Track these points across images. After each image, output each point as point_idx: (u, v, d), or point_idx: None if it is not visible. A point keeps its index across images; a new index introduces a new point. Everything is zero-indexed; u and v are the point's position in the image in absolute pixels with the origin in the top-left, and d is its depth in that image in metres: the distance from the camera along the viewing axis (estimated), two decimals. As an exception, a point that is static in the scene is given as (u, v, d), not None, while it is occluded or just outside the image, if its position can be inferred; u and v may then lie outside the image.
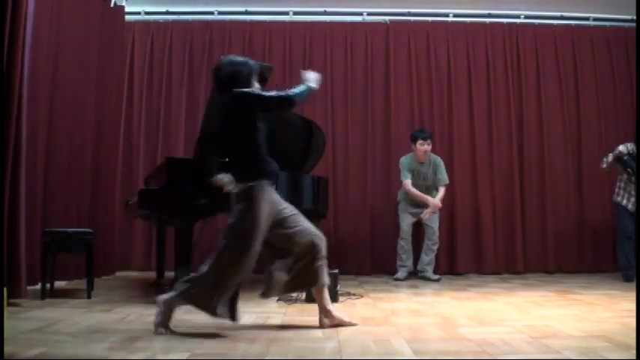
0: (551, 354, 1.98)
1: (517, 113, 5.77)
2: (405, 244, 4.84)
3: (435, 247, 4.85)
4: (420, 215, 4.83)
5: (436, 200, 4.82)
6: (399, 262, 4.86)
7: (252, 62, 2.62)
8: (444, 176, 4.93)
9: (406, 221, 4.86)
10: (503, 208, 5.60)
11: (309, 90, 2.56)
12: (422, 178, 4.90)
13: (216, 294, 2.42)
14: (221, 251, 2.54)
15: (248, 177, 2.47)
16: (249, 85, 2.55)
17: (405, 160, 4.93)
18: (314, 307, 3.11)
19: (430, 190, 4.92)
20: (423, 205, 4.85)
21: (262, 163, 2.55)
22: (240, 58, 2.62)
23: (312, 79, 2.58)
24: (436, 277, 4.72)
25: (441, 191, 4.90)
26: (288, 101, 2.55)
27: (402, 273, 4.79)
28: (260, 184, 2.46)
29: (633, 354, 1.95)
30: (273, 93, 2.57)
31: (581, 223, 5.63)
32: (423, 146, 4.86)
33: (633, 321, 2.60)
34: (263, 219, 2.44)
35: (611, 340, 2.19)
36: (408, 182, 4.84)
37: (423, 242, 4.90)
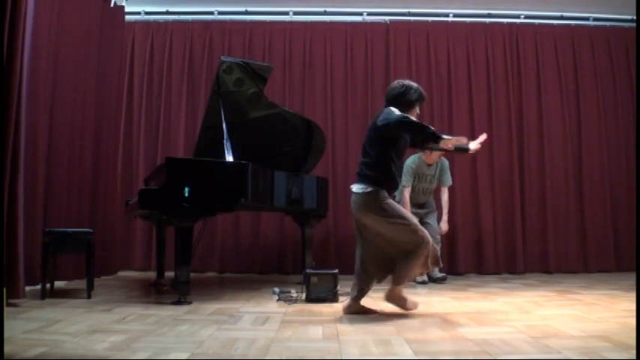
0: (551, 354, 1.98)
1: (517, 113, 5.77)
2: None
3: (439, 246, 4.79)
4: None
5: (443, 225, 4.76)
6: None
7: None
8: (449, 178, 4.88)
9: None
10: (504, 208, 5.60)
11: (437, 136, 2.79)
12: (427, 180, 4.76)
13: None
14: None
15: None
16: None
17: (411, 164, 4.72)
18: (314, 307, 3.12)
19: (429, 193, 4.85)
20: (424, 206, 4.82)
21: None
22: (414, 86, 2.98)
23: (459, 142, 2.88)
24: (441, 275, 4.68)
25: (446, 194, 4.82)
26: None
27: (422, 276, 4.58)
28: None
29: (633, 354, 1.95)
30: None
31: (581, 223, 5.63)
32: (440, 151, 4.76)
33: (633, 321, 2.60)
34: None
35: (611, 340, 2.19)
36: (408, 190, 4.67)
37: None
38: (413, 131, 2.88)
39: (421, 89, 3.00)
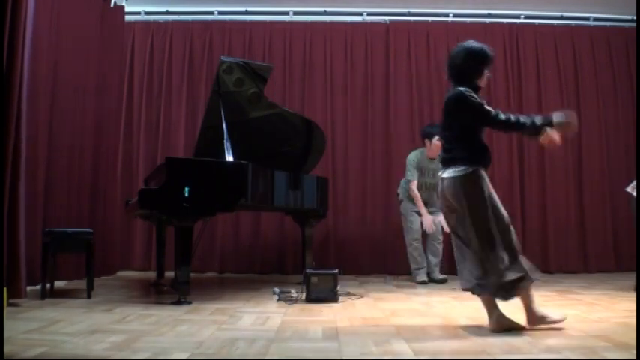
0: (551, 354, 1.98)
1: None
2: (418, 245, 4.69)
3: (441, 247, 4.79)
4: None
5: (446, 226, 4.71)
6: (414, 266, 4.67)
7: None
8: None
9: (416, 222, 4.72)
10: (503, 208, 5.58)
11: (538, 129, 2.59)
12: (431, 175, 4.73)
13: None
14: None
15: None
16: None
17: (414, 158, 4.72)
18: (314, 307, 3.12)
19: (433, 188, 4.84)
20: (428, 204, 4.81)
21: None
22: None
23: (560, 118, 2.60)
24: (442, 276, 4.68)
25: None
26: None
27: (422, 276, 4.61)
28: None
29: (633, 354, 1.95)
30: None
31: (581, 223, 5.63)
32: (440, 142, 4.70)
33: (633, 321, 2.60)
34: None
35: (611, 340, 2.19)
36: (414, 184, 4.67)
37: (427, 242, 4.83)
38: (507, 126, 2.60)
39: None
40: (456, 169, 2.54)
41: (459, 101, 2.55)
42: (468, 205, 2.51)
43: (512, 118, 2.58)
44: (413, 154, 4.79)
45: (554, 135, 2.60)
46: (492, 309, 2.48)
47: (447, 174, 2.58)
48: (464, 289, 2.59)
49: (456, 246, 2.63)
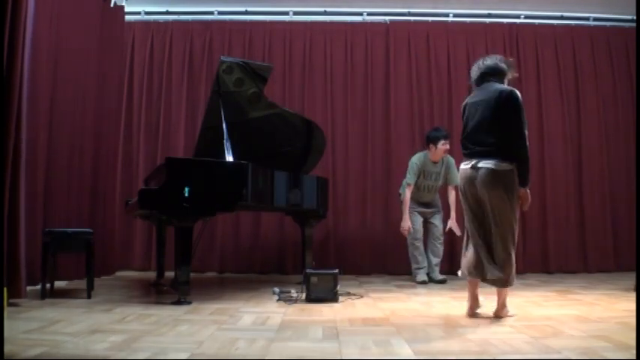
0: (551, 354, 1.98)
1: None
2: (419, 245, 4.70)
3: (441, 248, 4.79)
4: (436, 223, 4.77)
5: (455, 228, 4.69)
6: (415, 265, 4.69)
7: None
8: (456, 176, 4.85)
9: (417, 221, 4.74)
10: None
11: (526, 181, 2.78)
12: (433, 178, 4.75)
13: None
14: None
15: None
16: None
17: (417, 161, 4.72)
18: (314, 307, 3.12)
19: (434, 190, 4.85)
20: (430, 205, 4.81)
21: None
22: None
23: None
24: (441, 277, 4.68)
25: (453, 194, 4.76)
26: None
27: (422, 275, 4.62)
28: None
29: (633, 354, 1.95)
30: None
31: (581, 223, 5.63)
32: (445, 146, 4.68)
33: (633, 321, 2.60)
34: None
35: (611, 340, 2.19)
36: (411, 188, 4.69)
37: (428, 242, 4.83)
38: (522, 156, 2.76)
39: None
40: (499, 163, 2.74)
41: (515, 100, 2.78)
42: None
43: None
44: (416, 156, 4.79)
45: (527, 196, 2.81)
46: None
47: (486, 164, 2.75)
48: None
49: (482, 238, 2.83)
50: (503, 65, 2.94)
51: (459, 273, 2.98)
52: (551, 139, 5.73)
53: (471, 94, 2.99)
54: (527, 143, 2.77)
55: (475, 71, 2.98)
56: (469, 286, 2.91)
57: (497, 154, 2.73)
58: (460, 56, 5.83)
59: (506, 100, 2.76)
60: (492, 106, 2.78)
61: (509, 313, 2.83)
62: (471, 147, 2.85)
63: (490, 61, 2.96)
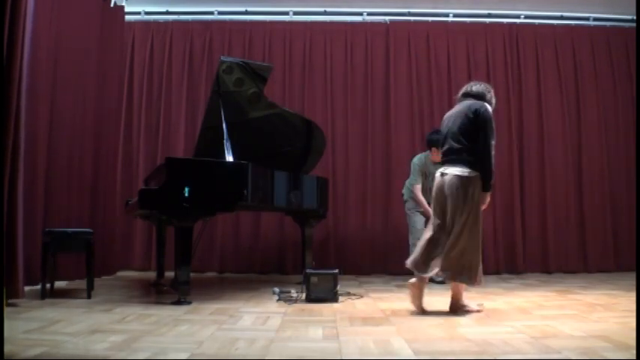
0: (551, 354, 1.98)
1: (517, 113, 5.77)
2: None
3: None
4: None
5: None
6: None
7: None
8: None
9: (419, 222, 4.72)
10: (504, 208, 5.60)
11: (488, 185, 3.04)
12: (433, 179, 4.80)
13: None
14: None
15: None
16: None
17: (418, 162, 4.75)
18: (314, 307, 3.12)
19: None
20: (431, 204, 4.80)
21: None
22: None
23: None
24: (441, 278, 4.66)
25: None
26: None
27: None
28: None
29: (633, 354, 1.95)
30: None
31: (581, 223, 5.63)
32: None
33: (633, 321, 2.60)
34: None
35: (611, 340, 2.19)
36: (418, 187, 4.69)
37: None
38: (485, 164, 3.00)
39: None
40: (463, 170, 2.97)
41: (483, 112, 3.02)
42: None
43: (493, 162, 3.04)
44: (417, 158, 4.80)
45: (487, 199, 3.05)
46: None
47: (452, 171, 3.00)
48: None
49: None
50: (485, 92, 3.19)
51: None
52: (551, 139, 5.73)
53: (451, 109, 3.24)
54: (493, 153, 3.01)
55: (461, 91, 3.25)
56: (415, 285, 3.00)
57: (463, 162, 2.99)
58: (460, 56, 5.83)
59: (475, 113, 3.01)
60: (463, 118, 3.04)
61: (466, 308, 2.97)
62: (443, 156, 3.16)
63: (476, 87, 3.20)
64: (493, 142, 3.00)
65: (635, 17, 5.78)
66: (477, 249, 2.93)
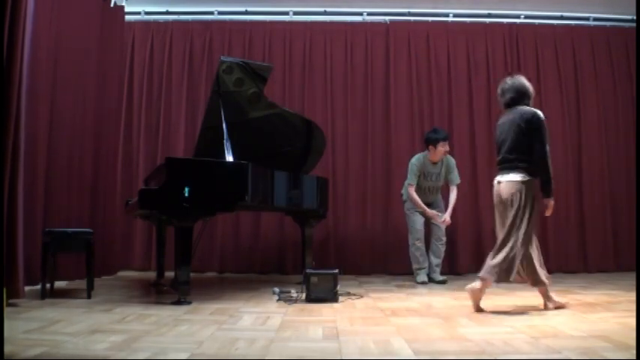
0: (551, 354, 1.98)
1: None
2: (420, 245, 4.68)
3: (443, 249, 4.78)
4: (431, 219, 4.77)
5: (447, 217, 4.71)
6: (416, 265, 4.68)
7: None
8: (457, 176, 4.86)
9: (418, 222, 4.72)
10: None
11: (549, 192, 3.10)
12: (433, 178, 4.75)
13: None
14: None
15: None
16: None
17: (416, 162, 4.73)
18: (314, 307, 3.12)
19: (436, 191, 4.85)
20: (432, 206, 4.80)
21: None
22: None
23: None
24: (442, 278, 4.67)
25: (454, 192, 4.78)
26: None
27: (422, 276, 4.61)
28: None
29: (633, 354, 1.95)
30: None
31: (581, 223, 5.63)
32: (444, 147, 4.69)
33: (633, 321, 2.60)
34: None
35: (611, 340, 2.19)
36: (413, 187, 4.69)
37: (430, 243, 4.82)
38: (544, 171, 3.07)
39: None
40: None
41: (537, 120, 3.11)
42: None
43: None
44: (415, 158, 4.79)
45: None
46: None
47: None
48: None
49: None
50: (526, 88, 3.31)
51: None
52: (551, 139, 5.65)
53: (502, 116, 3.33)
54: (549, 158, 3.07)
55: (502, 94, 3.34)
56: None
57: (517, 168, 3.09)
58: (460, 56, 5.83)
59: (528, 123, 3.10)
60: (515, 128, 3.14)
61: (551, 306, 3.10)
62: (498, 165, 3.27)
63: (516, 82, 3.31)
64: (548, 148, 3.09)
65: (635, 17, 5.78)
66: (526, 249, 3.09)
